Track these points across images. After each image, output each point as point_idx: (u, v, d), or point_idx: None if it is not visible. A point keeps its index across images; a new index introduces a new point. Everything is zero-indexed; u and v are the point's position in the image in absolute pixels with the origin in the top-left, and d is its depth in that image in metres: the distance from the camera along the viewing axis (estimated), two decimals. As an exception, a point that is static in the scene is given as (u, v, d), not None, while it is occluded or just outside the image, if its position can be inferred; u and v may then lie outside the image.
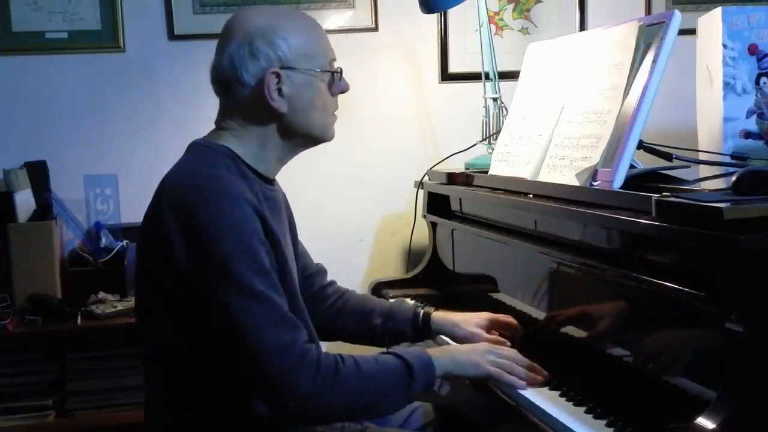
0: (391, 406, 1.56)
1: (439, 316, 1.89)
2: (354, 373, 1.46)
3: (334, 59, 1.64)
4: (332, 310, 1.89)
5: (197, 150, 1.60)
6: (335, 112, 1.66)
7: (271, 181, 1.65)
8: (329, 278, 1.96)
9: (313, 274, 1.89)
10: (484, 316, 1.87)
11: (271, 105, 1.55)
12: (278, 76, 1.55)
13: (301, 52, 1.57)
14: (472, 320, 1.85)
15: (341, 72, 1.64)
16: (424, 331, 1.86)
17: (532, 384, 1.58)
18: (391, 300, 2.02)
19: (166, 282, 1.48)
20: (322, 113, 1.62)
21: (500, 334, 1.84)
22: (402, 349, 1.59)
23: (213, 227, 1.43)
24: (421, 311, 1.88)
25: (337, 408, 1.47)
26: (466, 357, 1.60)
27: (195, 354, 1.50)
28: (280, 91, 1.55)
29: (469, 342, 1.78)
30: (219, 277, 1.42)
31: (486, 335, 1.82)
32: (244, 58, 1.55)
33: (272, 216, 1.55)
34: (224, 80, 1.59)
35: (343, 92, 1.65)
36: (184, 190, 1.48)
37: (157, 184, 1.57)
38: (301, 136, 1.62)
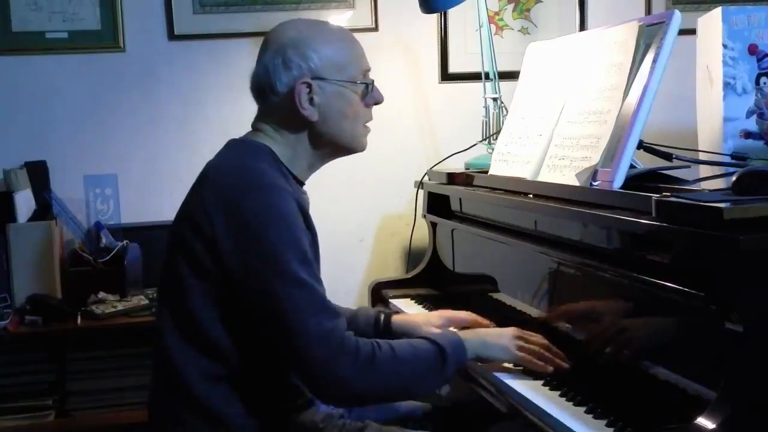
0: (425, 388, 1.62)
1: (399, 319, 1.94)
2: (390, 358, 1.51)
3: (368, 70, 1.68)
4: None
5: (239, 145, 1.64)
6: (368, 123, 1.69)
7: (302, 184, 1.68)
8: (326, 281, 1.97)
9: None
10: (444, 315, 1.93)
11: (301, 113, 1.60)
12: (309, 86, 1.59)
13: (332, 63, 1.61)
14: (430, 321, 1.91)
15: (373, 83, 1.67)
16: (386, 334, 1.89)
17: (557, 371, 1.62)
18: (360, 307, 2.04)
19: (208, 270, 1.50)
20: (354, 123, 1.66)
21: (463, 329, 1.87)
22: (434, 333, 1.65)
23: (260, 218, 1.47)
24: (383, 315, 1.93)
25: (375, 391, 1.53)
26: (496, 341, 1.66)
27: (226, 342, 1.53)
28: (311, 100, 1.60)
29: None
30: (265, 266, 1.46)
31: None
32: (278, 68, 1.60)
33: (309, 214, 1.60)
34: (259, 88, 1.64)
35: (377, 103, 1.69)
36: (230, 182, 1.53)
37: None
38: (332, 145, 1.66)
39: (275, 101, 1.62)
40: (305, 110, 1.59)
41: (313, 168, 1.70)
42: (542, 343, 1.67)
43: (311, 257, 1.53)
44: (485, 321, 1.89)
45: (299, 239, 1.50)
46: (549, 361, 1.63)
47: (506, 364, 1.69)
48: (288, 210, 1.50)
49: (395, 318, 1.93)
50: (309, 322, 1.45)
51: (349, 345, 1.48)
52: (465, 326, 1.88)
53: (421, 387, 1.59)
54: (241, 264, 1.47)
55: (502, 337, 1.67)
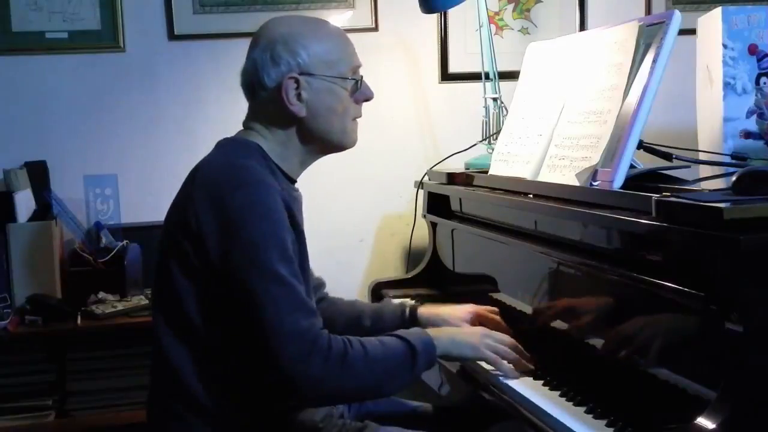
0: (396, 386, 1.60)
1: (426, 311, 1.92)
2: (361, 357, 1.51)
3: (358, 66, 1.68)
4: (323, 318, 1.90)
5: (229, 144, 1.65)
6: (357, 119, 1.70)
7: (293, 182, 1.68)
8: (326, 281, 1.99)
9: (315, 286, 1.90)
10: (469, 309, 1.91)
11: (290, 109, 1.60)
12: (297, 81, 1.59)
13: (321, 59, 1.61)
14: (457, 314, 1.90)
15: (362, 78, 1.67)
16: (412, 327, 1.87)
17: (522, 371, 1.64)
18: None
19: (196, 268, 1.51)
20: (343, 119, 1.66)
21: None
22: (404, 330, 1.64)
23: (245, 214, 1.48)
24: (408, 309, 1.92)
25: (346, 390, 1.52)
26: (465, 339, 1.67)
27: (219, 340, 1.53)
28: (299, 96, 1.60)
29: None
30: (246, 262, 1.47)
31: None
32: (266, 63, 1.60)
33: (297, 212, 1.60)
34: (249, 83, 1.65)
35: (367, 99, 1.70)
36: (218, 179, 1.53)
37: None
38: (321, 141, 1.66)
39: (264, 97, 1.62)
40: (293, 106, 1.60)
41: (304, 165, 1.69)
42: (510, 342, 1.69)
43: (292, 254, 1.52)
44: (502, 323, 1.88)
45: (282, 236, 1.50)
46: (516, 361, 1.65)
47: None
48: (273, 207, 1.50)
49: (421, 310, 1.92)
50: (285, 319, 1.45)
51: (320, 343, 1.47)
52: (487, 323, 1.86)
53: (391, 385, 1.58)
54: (223, 258, 1.48)
55: (472, 335, 1.68)
